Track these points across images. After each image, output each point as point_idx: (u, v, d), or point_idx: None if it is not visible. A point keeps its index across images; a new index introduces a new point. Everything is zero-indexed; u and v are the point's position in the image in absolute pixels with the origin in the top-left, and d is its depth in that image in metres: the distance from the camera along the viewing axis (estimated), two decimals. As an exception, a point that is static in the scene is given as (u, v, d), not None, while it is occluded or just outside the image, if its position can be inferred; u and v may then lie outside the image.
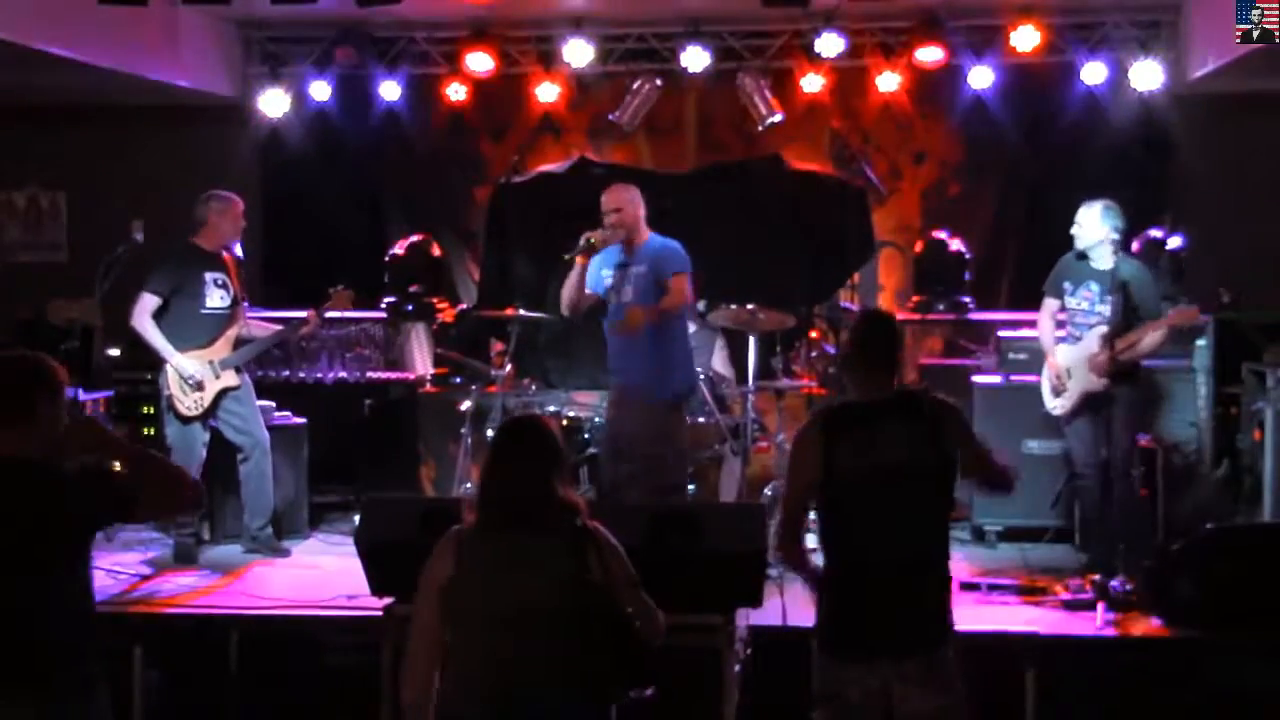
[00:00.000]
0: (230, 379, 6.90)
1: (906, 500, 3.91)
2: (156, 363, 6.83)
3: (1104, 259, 6.43)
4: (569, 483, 3.72)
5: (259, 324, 7.28)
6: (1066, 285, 6.61)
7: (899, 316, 8.47)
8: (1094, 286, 6.47)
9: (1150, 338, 6.32)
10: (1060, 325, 6.75)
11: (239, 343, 6.98)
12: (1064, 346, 6.64)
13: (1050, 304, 6.74)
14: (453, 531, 3.66)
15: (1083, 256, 6.54)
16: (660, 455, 6.30)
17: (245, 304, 7.10)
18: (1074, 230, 6.52)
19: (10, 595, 3.33)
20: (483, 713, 3.50)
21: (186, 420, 6.84)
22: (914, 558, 3.93)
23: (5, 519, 3.32)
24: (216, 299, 6.91)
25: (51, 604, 3.36)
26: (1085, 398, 6.46)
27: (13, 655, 3.33)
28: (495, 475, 3.66)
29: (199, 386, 6.80)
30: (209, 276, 6.88)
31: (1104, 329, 6.30)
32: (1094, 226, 6.43)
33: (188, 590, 6.32)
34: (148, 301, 6.76)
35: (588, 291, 6.38)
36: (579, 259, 6.23)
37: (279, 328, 7.23)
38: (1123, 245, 6.38)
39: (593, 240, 6.19)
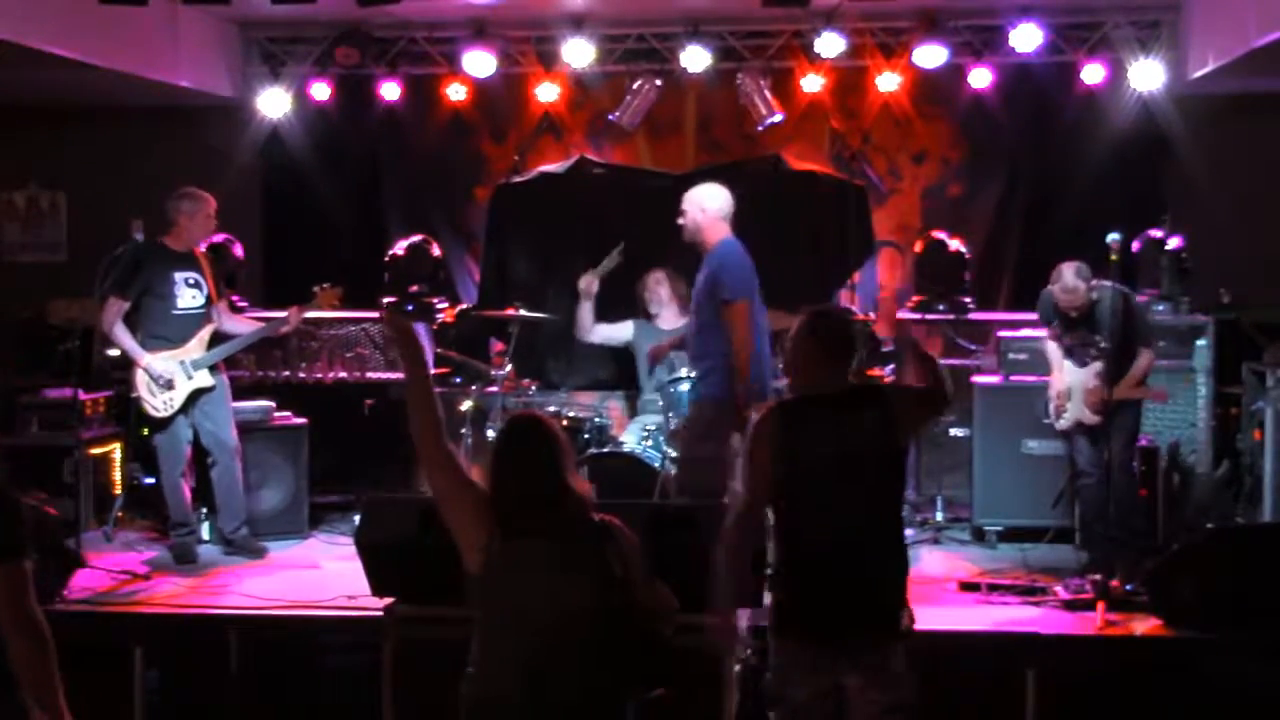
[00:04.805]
0: (204, 379, 6.85)
1: (864, 488, 3.94)
2: (126, 365, 6.79)
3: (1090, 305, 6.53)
4: (578, 477, 3.70)
5: (244, 321, 7.26)
6: (1057, 322, 6.72)
7: (898, 316, 8.58)
8: (1084, 326, 6.58)
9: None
10: (1060, 339, 6.82)
11: (216, 341, 6.96)
12: (1070, 365, 6.71)
13: (1048, 330, 6.82)
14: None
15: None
16: None
17: (237, 299, 7.05)
18: (1064, 301, 6.53)
19: None
20: (512, 709, 3.50)
21: (159, 423, 6.81)
22: (870, 545, 3.95)
23: None
24: (188, 298, 6.87)
25: None
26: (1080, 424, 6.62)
27: None
28: (508, 476, 3.63)
29: (169, 386, 6.76)
30: (179, 276, 6.84)
31: (1100, 366, 6.35)
32: (1078, 293, 6.48)
33: (187, 590, 6.32)
34: (116, 305, 6.75)
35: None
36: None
37: (261, 325, 7.21)
38: (1104, 269, 6.35)
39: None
